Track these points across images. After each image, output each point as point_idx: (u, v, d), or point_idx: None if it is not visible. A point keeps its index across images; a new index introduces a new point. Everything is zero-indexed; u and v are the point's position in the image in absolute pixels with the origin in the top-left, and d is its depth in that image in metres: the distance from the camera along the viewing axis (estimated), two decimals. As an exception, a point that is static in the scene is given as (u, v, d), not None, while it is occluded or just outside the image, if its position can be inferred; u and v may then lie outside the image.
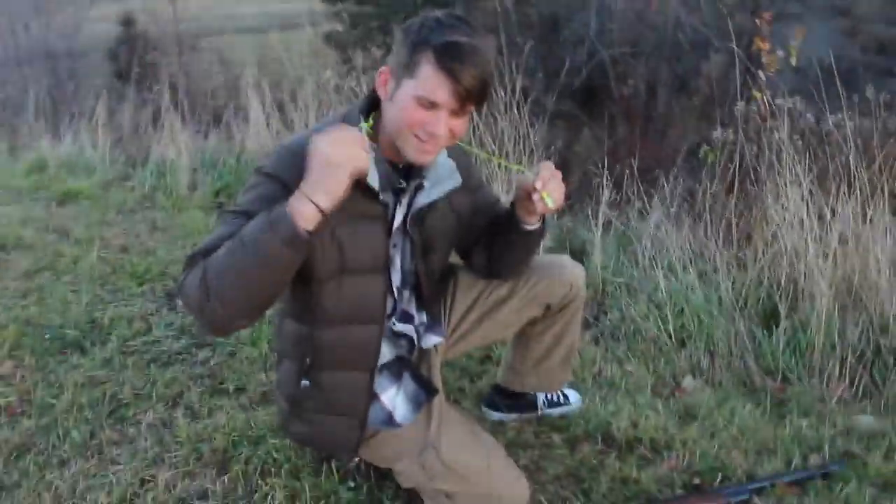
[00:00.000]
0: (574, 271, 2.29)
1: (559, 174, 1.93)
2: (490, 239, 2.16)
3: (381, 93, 1.84)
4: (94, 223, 4.62)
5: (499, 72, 4.86)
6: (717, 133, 4.25)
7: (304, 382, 1.98)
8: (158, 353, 3.08)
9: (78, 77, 8.33)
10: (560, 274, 2.26)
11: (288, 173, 1.75)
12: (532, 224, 2.05)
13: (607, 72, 9.74)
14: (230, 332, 1.96)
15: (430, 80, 1.73)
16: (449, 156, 1.99)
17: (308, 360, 1.96)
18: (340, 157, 1.61)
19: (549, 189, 1.90)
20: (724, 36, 5.63)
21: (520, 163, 4.39)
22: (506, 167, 4.30)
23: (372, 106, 1.89)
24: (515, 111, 4.72)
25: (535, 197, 1.90)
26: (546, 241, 3.81)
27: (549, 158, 4.89)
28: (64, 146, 6.38)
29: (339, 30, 12.57)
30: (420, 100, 1.74)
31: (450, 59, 1.71)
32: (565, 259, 2.34)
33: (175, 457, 2.44)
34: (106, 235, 4.41)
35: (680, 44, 10.46)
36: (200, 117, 6.15)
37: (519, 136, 4.68)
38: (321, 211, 1.61)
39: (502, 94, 4.75)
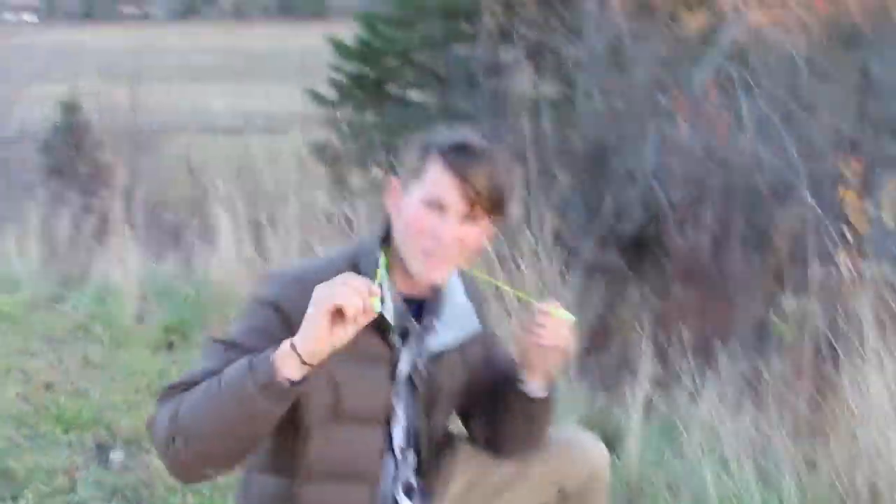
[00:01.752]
0: (597, 453, 2.37)
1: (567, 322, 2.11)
2: (493, 405, 2.29)
3: (390, 207, 2.10)
4: (14, 352, 4.83)
5: (526, 208, 5.16)
6: (789, 301, 4.47)
7: None
8: (83, 517, 3.23)
9: (7, 169, 8.70)
10: (579, 456, 2.34)
11: (290, 304, 1.95)
12: (536, 390, 2.19)
13: (664, 217, 10.07)
14: (195, 478, 2.13)
15: (437, 180, 1.99)
16: (466, 295, 2.22)
17: None
18: (318, 295, 1.80)
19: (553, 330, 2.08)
20: (809, 183, 5.93)
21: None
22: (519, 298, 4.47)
23: (389, 231, 2.13)
24: (544, 258, 4.95)
25: (541, 317, 2.07)
26: (567, 419, 3.95)
27: (582, 320, 5.12)
28: (-16, 254, 6.66)
29: (333, 141, 13.11)
30: (426, 202, 1.99)
31: (458, 157, 1.98)
32: (586, 438, 2.42)
33: None
34: (28, 367, 4.60)
35: (756, 188, 10.83)
36: (156, 234, 6.42)
37: (546, 290, 4.88)
38: (298, 354, 1.80)
39: (529, 236, 4.98)
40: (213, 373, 1.90)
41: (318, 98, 15.28)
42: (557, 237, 5.03)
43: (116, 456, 3.71)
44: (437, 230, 1.99)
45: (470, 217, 2.01)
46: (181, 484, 2.52)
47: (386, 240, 2.12)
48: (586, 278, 5.65)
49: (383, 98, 15.22)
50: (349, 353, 1.94)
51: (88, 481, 3.46)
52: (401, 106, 14.65)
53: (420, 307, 2.16)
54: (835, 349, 3.91)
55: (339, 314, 1.77)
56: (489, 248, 4.51)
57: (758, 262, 8.30)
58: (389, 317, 2.02)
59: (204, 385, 1.88)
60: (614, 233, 9.23)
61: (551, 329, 2.06)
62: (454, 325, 2.17)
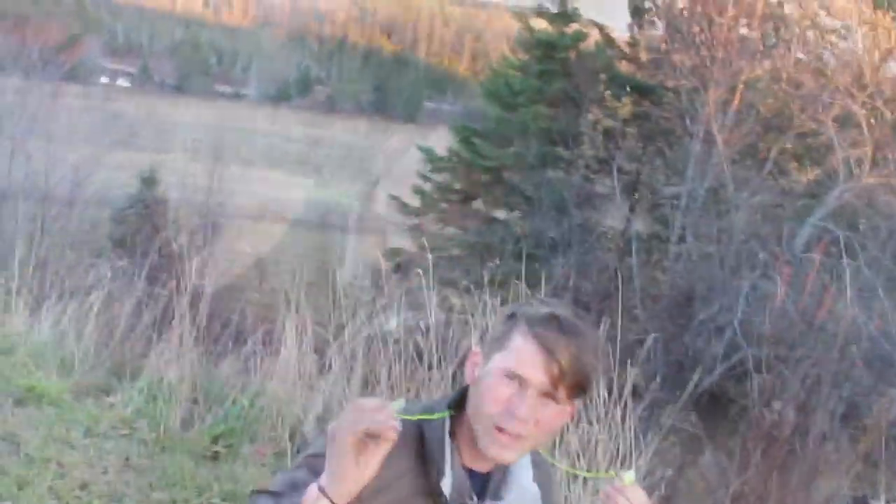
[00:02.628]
0: None
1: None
2: None
3: (469, 376, 2.05)
4: (54, 440, 4.83)
5: (606, 359, 5.08)
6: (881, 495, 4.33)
7: None
8: None
9: (78, 233, 8.89)
10: None
11: None
12: None
13: (748, 377, 9.90)
14: None
15: (521, 350, 1.94)
16: (535, 481, 2.17)
17: None
18: (337, 429, 1.77)
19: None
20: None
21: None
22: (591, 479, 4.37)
23: (462, 399, 2.11)
24: (619, 417, 4.86)
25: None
26: None
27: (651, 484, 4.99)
28: (41, 329, 6.75)
29: (409, 249, 13.26)
30: (507, 373, 1.94)
31: (546, 329, 1.93)
32: None
33: None
34: (65, 460, 4.60)
35: (852, 359, 10.59)
36: (218, 336, 6.47)
37: (617, 453, 4.78)
38: (329, 498, 1.78)
39: (604, 392, 4.90)
40: None
41: (402, 205, 15.52)
42: (636, 394, 4.92)
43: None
44: (514, 404, 1.94)
45: (551, 395, 1.97)
46: None
47: (459, 407, 2.09)
48: (662, 441, 5.51)
49: (468, 213, 15.37)
50: None
51: None
52: (486, 224, 14.77)
53: (485, 483, 2.11)
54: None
55: (362, 445, 1.75)
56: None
57: (847, 442, 8.10)
58: (447, 489, 1.97)
59: None
60: (695, 389, 9.09)
61: None
62: None
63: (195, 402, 5.57)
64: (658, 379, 7.03)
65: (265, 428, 5.42)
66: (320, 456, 1.84)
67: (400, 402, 1.79)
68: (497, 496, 2.12)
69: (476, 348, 2.09)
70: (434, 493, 2.01)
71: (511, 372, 1.95)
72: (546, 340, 1.93)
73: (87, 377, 5.90)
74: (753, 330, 11.22)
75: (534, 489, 2.15)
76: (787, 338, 11.21)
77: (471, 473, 2.06)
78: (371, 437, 1.74)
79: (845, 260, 11.22)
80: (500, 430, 1.95)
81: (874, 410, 8.55)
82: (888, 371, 9.83)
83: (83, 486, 4.37)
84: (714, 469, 6.94)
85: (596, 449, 4.72)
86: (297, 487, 1.88)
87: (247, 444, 5.25)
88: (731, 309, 11.44)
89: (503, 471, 2.12)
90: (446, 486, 1.97)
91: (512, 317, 2.03)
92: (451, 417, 2.08)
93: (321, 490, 1.77)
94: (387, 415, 1.74)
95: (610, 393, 4.89)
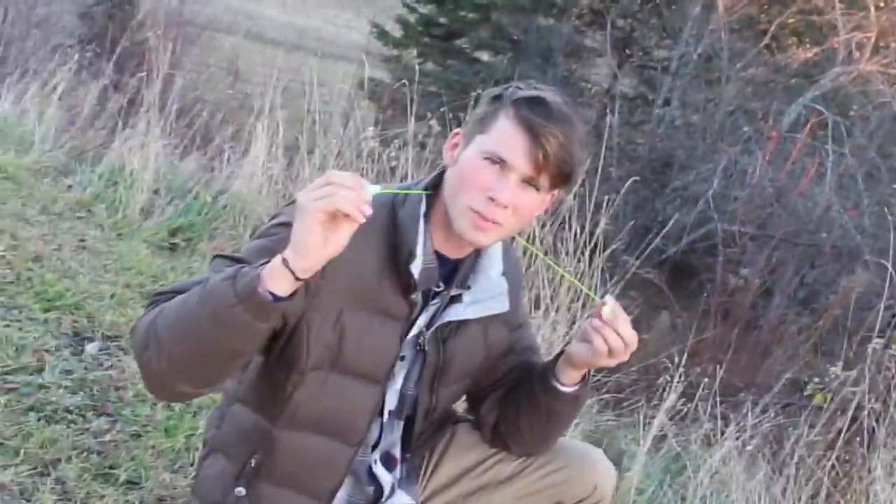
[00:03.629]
0: (604, 470, 2.36)
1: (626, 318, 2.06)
2: (509, 393, 2.28)
3: (446, 158, 2.06)
4: (8, 214, 4.83)
5: (579, 202, 5.13)
6: (836, 371, 4.45)
7: (240, 490, 2.09)
8: (43, 402, 3.20)
9: (46, 28, 8.72)
10: (586, 469, 2.33)
11: None
12: (568, 385, 2.18)
13: (716, 248, 10.02)
14: (169, 395, 2.15)
15: (504, 134, 1.95)
16: (504, 274, 2.20)
17: (254, 461, 2.09)
18: (307, 200, 1.72)
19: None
20: (881, 251, 5.89)
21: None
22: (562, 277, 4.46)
23: (438, 184, 2.11)
24: (586, 260, 4.94)
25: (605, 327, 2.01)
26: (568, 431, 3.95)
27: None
28: (1, 106, 6.67)
29: (386, 82, 13.10)
30: (489, 154, 1.95)
31: (532, 112, 1.93)
32: (596, 452, 2.41)
33: (24, 537, 2.56)
34: (19, 234, 4.60)
35: (820, 244, 10.74)
36: (186, 130, 6.42)
37: (579, 293, 4.88)
38: (289, 268, 1.75)
39: (577, 231, 4.97)
40: (202, 283, 1.86)
41: (382, 34, 15.24)
42: (605, 241, 4.98)
43: (92, 348, 3.70)
44: (494, 188, 1.95)
45: (531, 182, 1.98)
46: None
47: (434, 190, 2.09)
48: (622, 293, 5.60)
49: (451, 50, 15.15)
50: (364, 302, 1.96)
51: (57, 367, 3.45)
52: (467, 63, 14.59)
53: (452, 270, 2.13)
54: (873, 431, 3.90)
55: (331, 220, 1.71)
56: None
57: (805, 320, 8.28)
58: (416, 271, 1.99)
59: (186, 293, 1.85)
60: (659, 251, 9.20)
61: (614, 342, 2.01)
62: (482, 299, 2.14)
63: (156, 192, 5.57)
64: (625, 239, 7.09)
65: (226, 226, 5.44)
66: (288, 225, 1.80)
67: (376, 188, 1.75)
68: (464, 285, 2.13)
69: (457, 130, 2.08)
70: (402, 275, 2.03)
71: (494, 155, 1.95)
72: (532, 125, 1.92)
73: (46, 158, 5.86)
74: (727, 205, 11.27)
75: (502, 283, 2.17)
76: (760, 216, 11.30)
77: (440, 260, 2.07)
78: (336, 219, 1.71)
79: (830, 145, 11.26)
80: (478, 213, 1.95)
81: (831, 299, 8.71)
82: (854, 264, 9.95)
83: (36, 259, 4.38)
84: (671, 327, 7.09)
85: (560, 285, 4.79)
86: (260, 255, 1.87)
87: (206, 239, 5.27)
88: (707, 180, 11.47)
89: (473, 260, 2.14)
90: (416, 268, 1.99)
91: (498, 98, 2.01)
92: (427, 198, 2.08)
93: (284, 262, 1.74)
94: (360, 196, 1.70)
95: (581, 235, 4.96)
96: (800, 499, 3.76)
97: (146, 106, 6.02)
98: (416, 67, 8.05)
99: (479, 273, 2.14)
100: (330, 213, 1.69)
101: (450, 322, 2.13)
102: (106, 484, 2.89)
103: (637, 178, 7.56)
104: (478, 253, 2.15)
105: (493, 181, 1.95)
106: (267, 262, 1.77)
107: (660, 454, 4.18)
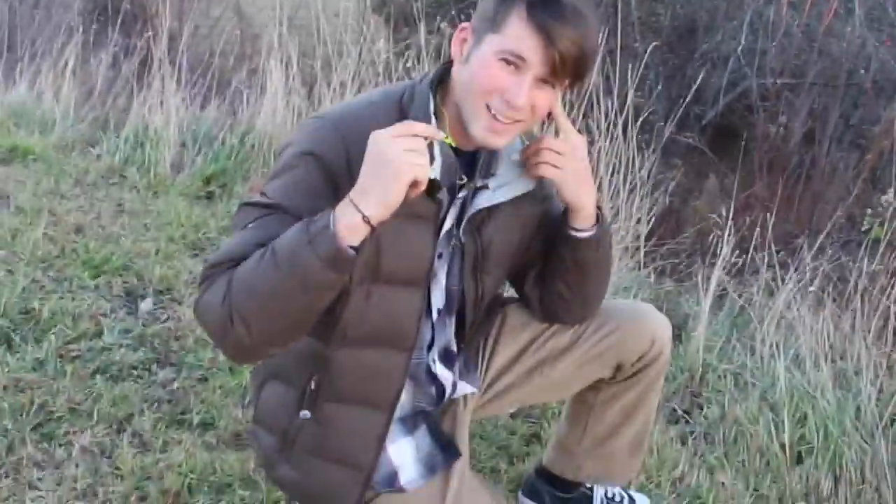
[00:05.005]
0: (658, 323, 2.41)
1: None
2: (545, 265, 2.31)
3: (454, 52, 2.03)
4: (44, 192, 4.88)
5: (605, 77, 5.08)
6: (888, 198, 4.40)
7: (305, 413, 2.13)
8: (107, 363, 3.29)
9: (48, 6, 8.70)
10: (639, 325, 2.39)
11: (332, 154, 1.94)
12: (583, 230, 2.19)
13: (754, 105, 9.89)
14: (258, 359, 2.18)
15: (519, 35, 1.91)
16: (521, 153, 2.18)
17: (313, 384, 2.12)
18: (402, 163, 1.77)
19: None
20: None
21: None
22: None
23: (443, 79, 2.08)
24: (620, 134, 4.91)
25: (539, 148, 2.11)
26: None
27: (656, 201, 5.08)
28: (17, 91, 6.70)
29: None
30: (504, 55, 1.92)
31: (546, 13, 1.89)
32: (648, 308, 2.48)
33: (112, 492, 2.63)
34: (58, 210, 4.65)
35: (860, 82, 10.56)
36: (201, 80, 6.41)
37: (620, 165, 4.86)
38: (370, 224, 1.79)
39: (608, 106, 4.94)
40: (258, 245, 1.88)
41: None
42: (636, 112, 4.94)
43: (146, 305, 3.77)
44: (510, 92, 1.93)
45: (548, 81, 1.95)
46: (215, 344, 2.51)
47: (439, 86, 2.07)
48: (663, 158, 5.56)
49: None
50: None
51: (115, 328, 3.53)
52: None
53: (472, 160, 2.12)
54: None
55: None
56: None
57: (853, 158, 8.17)
58: (437, 172, 1.98)
59: (255, 261, 1.86)
60: (698, 117, 9.10)
61: (553, 158, 2.10)
62: (509, 181, 2.14)
63: (183, 145, 5.60)
64: (660, 98, 7.00)
65: (257, 165, 5.48)
66: (309, 154, 1.95)
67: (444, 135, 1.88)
68: (487, 174, 2.13)
69: (464, 24, 2.05)
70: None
71: (508, 57, 1.92)
72: (548, 25, 1.89)
73: (69, 133, 5.90)
74: (759, 60, 11.05)
75: (522, 163, 2.17)
76: (794, 64, 11.08)
77: (456, 153, 2.06)
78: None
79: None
80: (493, 116, 1.95)
81: (880, 129, 8.56)
82: (894, 95, 9.74)
83: (78, 230, 4.44)
84: (718, 187, 7.02)
85: (598, 163, 4.78)
86: (291, 193, 1.94)
87: (240, 182, 5.31)
88: (734, 38, 11.20)
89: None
90: (436, 168, 1.97)
91: None
92: (434, 93, 2.06)
93: (365, 220, 1.79)
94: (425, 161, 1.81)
95: (612, 109, 4.92)
96: (869, 330, 3.75)
97: (157, 64, 6.03)
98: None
99: (499, 159, 2.13)
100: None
101: (480, 210, 2.13)
102: (181, 429, 2.97)
103: (657, 42, 7.39)
104: None
105: (508, 83, 1.93)
106: (326, 213, 1.81)
107: (723, 311, 4.18)
